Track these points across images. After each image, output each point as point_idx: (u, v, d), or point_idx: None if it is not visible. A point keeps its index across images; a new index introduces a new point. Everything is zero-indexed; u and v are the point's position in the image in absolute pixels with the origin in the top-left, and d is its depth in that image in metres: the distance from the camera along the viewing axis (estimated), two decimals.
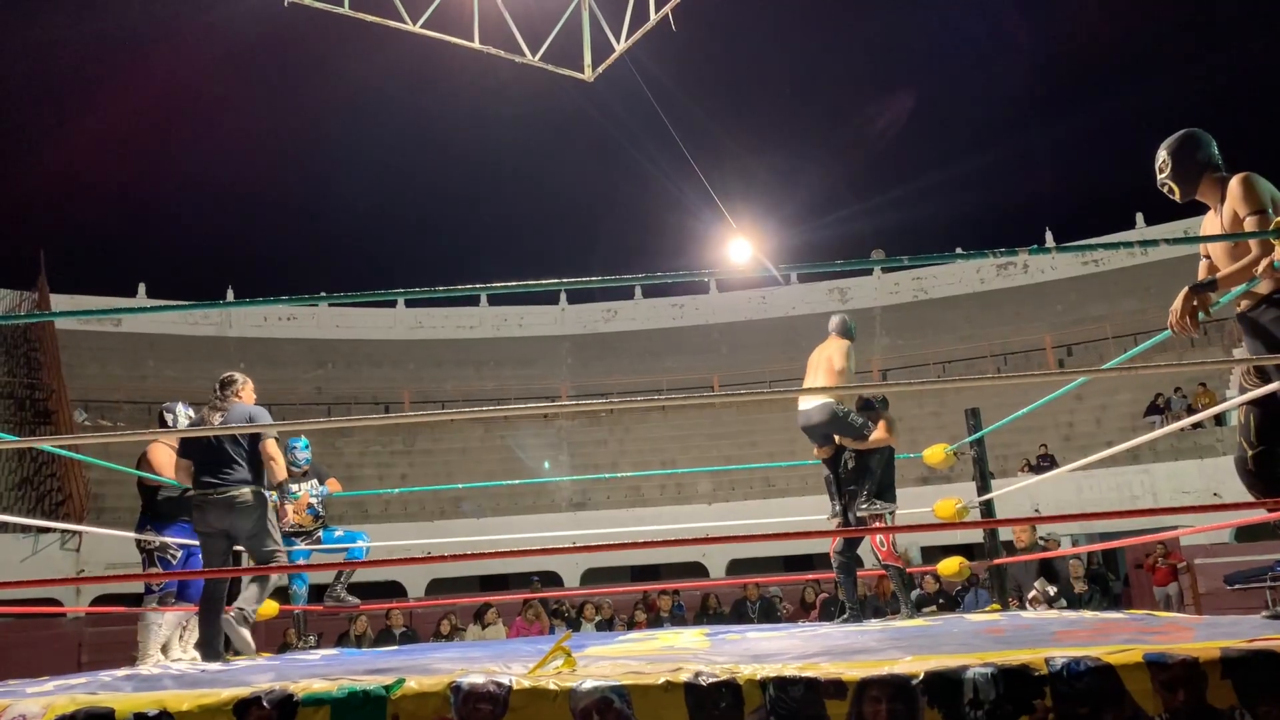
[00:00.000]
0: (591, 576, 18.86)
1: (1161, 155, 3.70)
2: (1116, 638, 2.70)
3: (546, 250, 44.61)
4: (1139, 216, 25.99)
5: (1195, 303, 3.40)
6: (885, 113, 43.38)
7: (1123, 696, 2.15)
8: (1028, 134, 45.13)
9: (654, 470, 19.81)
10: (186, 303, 25.92)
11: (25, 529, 16.62)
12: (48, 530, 16.74)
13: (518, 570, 19.30)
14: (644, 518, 18.36)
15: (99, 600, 16.22)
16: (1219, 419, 16.51)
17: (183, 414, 6.00)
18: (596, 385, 25.14)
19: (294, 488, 7.08)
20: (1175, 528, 12.26)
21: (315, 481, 7.22)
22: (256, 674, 3.13)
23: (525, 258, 43.01)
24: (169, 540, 5.68)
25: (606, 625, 11.73)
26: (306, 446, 7.22)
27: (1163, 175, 3.71)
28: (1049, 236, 26.97)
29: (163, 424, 5.97)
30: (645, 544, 3.30)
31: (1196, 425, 16.72)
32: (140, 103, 38.32)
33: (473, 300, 28.24)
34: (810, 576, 12.80)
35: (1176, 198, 3.75)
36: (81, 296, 25.72)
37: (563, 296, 28.80)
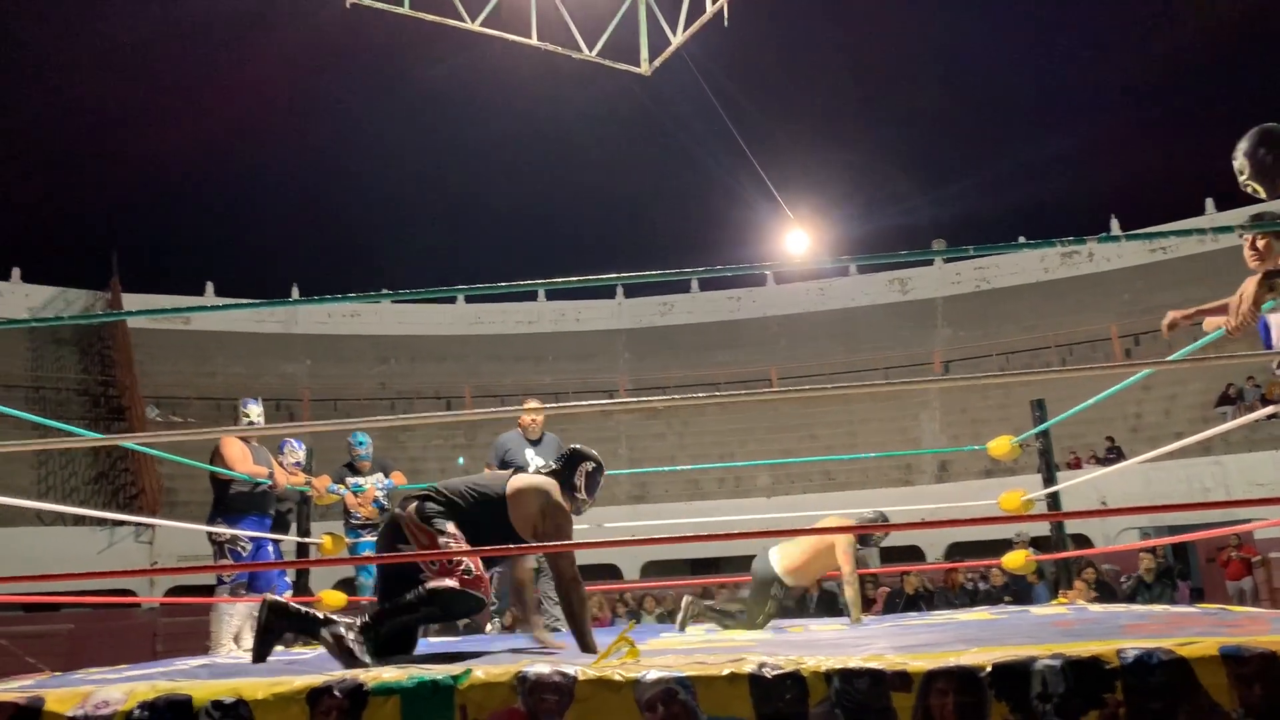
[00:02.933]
0: (651, 569, 18.91)
1: (1238, 158, 3.62)
2: (1190, 630, 2.65)
3: (603, 244, 44.71)
4: (1209, 202, 25.35)
5: (1268, 290, 3.33)
6: (950, 101, 42.72)
7: (1197, 690, 2.11)
8: (1093, 120, 44.21)
9: (712, 463, 19.77)
10: (254, 301, 26.45)
11: (101, 522, 17.10)
12: (123, 523, 17.20)
13: (579, 562, 19.39)
14: (703, 510, 18.37)
15: (172, 591, 16.63)
16: None
17: (255, 410, 6.12)
18: (654, 379, 25.17)
19: (360, 481, 7.25)
20: (1249, 521, 11.98)
21: (380, 475, 7.38)
22: (328, 663, 3.20)
23: (582, 252, 43.10)
24: (239, 533, 5.81)
25: (667, 618, 11.76)
26: (364, 443, 7.39)
27: (1243, 178, 3.62)
28: (1114, 224, 26.41)
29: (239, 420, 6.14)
30: (704, 537, 3.32)
31: (1271, 416, 16.28)
32: (209, 107, 39.15)
33: (530, 295, 28.42)
34: (871, 571, 12.70)
35: (1263, 196, 3.68)
36: (152, 295, 26.36)
37: (619, 290, 28.88)
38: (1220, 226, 3.11)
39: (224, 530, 5.77)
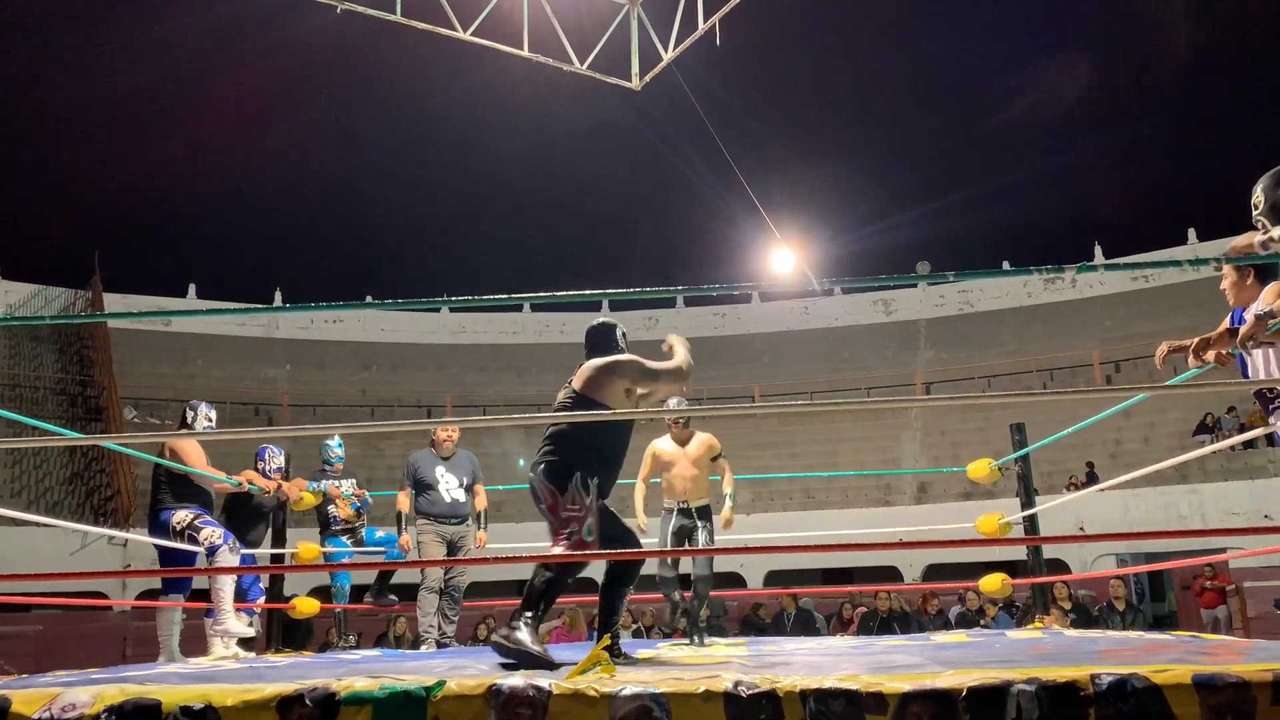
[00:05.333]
0: None
1: (1256, 191, 3.63)
2: (1164, 657, 2.65)
3: (589, 257, 44.77)
4: (1190, 232, 25.58)
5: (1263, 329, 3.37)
6: (936, 123, 43.00)
7: (1169, 719, 2.11)
8: (1078, 146, 44.59)
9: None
10: (237, 306, 26.35)
11: (75, 521, 16.94)
12: (98, 524, 17.05)
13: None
14: None
15: (144, 595, 16.48)
16: (1270, 439, 16.17)
17: (204, 413, 5.99)
18: None
19: (337, 482, 7.28)
20: (1224, 549, 12.04)
21: (353, 482, 7.41)
22: (300, 672, 3.17)
23: (568, 264, 43.13)
24: (189, 513, 5.59)
25: (644, 633, 11.72)
26: (340, 447, 7.44)
27: (1256, 212, 3.64)
28: (1098, 251, 26.60)
29: (185, 421, 6.00)
30: (682, 551, 3.30)
31: (1248, 445, 16.41)
32: (194, 109, 39.05)
33: (515, 306, 28.39)
34: (849, 589, 12.70)
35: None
36: (134, 296, 26.18)
37: (605, 304, 28.88)
38: (1197, 259, 3.14)
39: (185, 514, 5.56)
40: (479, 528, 6.54)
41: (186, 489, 5.67)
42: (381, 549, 7.25)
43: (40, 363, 23.17)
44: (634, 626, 11.83)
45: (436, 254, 45.50)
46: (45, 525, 14.76)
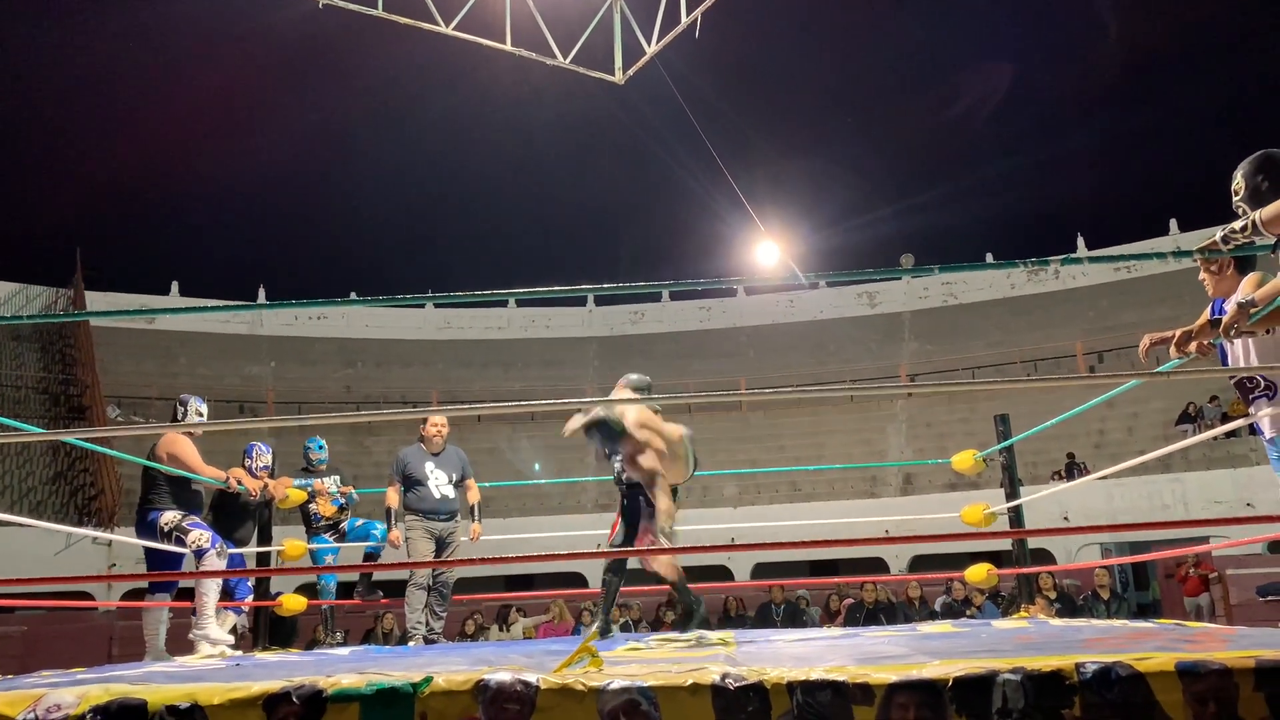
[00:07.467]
0: None
1: (1237, 177, 3.60)
2: (1148, 645, 2.67)
3: (574, 252, 44.72)
4: (1172, 223, 25.71)
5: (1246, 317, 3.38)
6: (918, 116, 43.08)
7: (1153, 708, 2.13)
8: (1061, 138, 44.74)
9: None
10: (219, 303, 26.20)
11: (59, 522, 16.83)
12: (82, 524, 16.94)
13: (543, 571, 19.34)
14: None
15: (130, 594, 16.39)
16: (1252, 427, 16.25)
17: (194, 408, 5.91)
18: None
19: (326, 481, 7.26)
20: (1207, 538, 12.13)
21: (337, 479, 7.39)
22: (286, 669, 3.16)
23: (553, 259, 43.10)
24: (178, 514, 5.54)
25: (632, 626, 11.73)
26: (322, 447, 7.41)
27: (1237, 198, 3.61)
28: (1080, 242, 26.72)
29: (175, 417, 5.86)
30: (671, 549, 3.31)
31: (1230, 434, 16.51)
32: (176, 104, 38.76)
33: (500, 301, 28.35)
34: (836, 581, 12.74)
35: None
36: (116, 294, 26.01)
37: (590, 298, 28.86)
38: (1179, 250, 3.17)
39: (174, 515, 5.51)
40: (473, 520, 6.54)
41: (180, 490, 5.62)
42: (365, 541, 7.22)
43: (22, 362, 23.01)
44: (622, 620, 11.84)
45: (421, 250, 45.39)
46: (29, 526, 14.67)
